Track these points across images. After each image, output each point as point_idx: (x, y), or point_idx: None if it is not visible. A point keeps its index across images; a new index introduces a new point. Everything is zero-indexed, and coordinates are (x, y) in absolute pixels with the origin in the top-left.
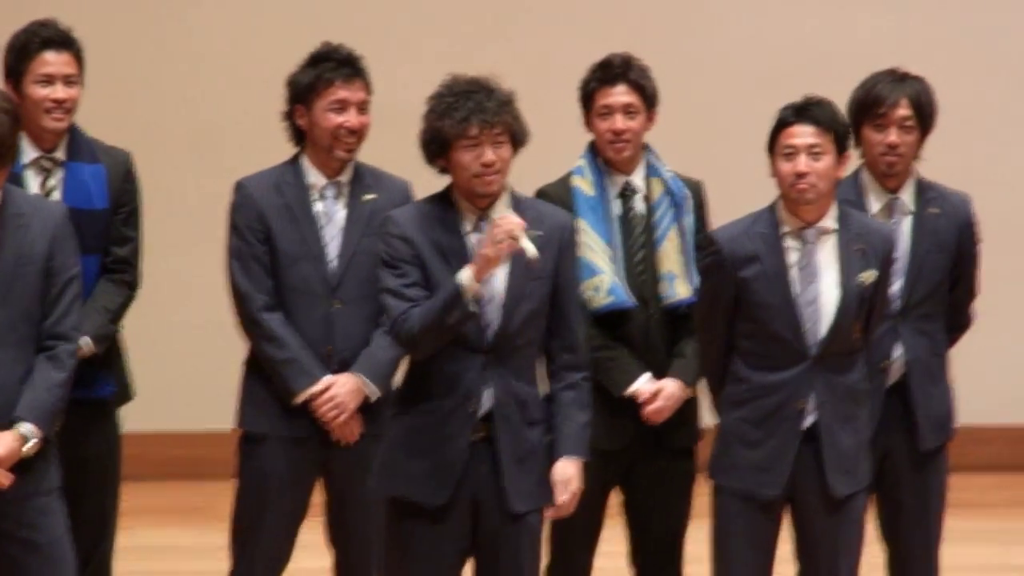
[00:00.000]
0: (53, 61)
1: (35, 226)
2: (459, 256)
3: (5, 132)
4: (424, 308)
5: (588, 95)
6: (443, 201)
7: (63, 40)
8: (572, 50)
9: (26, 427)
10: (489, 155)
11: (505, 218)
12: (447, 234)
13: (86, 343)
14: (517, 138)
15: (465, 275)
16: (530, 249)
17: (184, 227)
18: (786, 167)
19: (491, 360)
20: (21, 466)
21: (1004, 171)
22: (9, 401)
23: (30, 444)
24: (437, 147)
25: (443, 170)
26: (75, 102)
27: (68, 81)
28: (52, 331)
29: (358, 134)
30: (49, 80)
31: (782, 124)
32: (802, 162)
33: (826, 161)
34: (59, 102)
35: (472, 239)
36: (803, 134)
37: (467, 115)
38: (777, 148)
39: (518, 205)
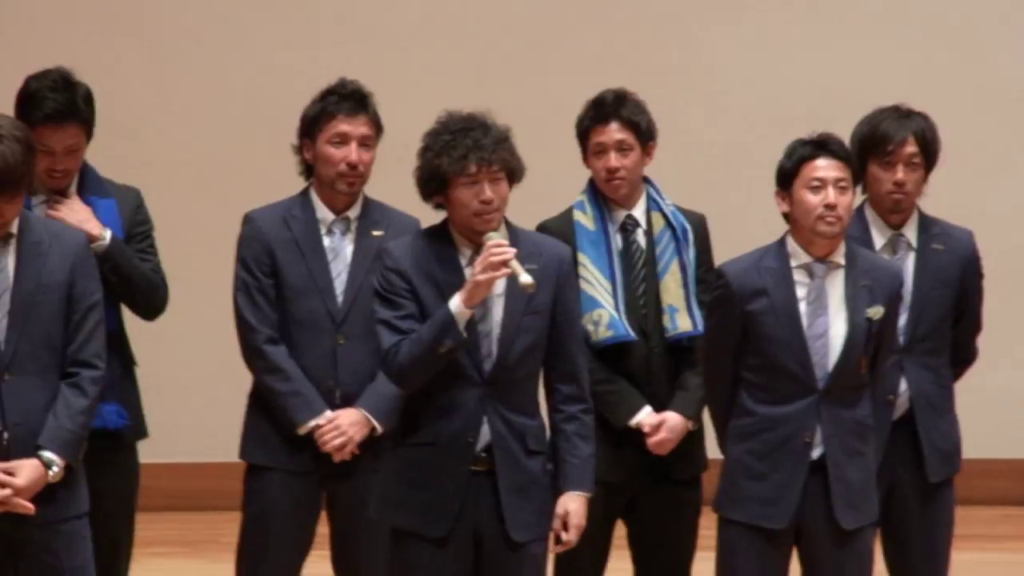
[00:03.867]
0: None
1: (54, 254)
2: (455, 289)
3: (19, 160)
4: (415, 337)
5: (583, 133)
6: (440, 234)
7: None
8: (574, 85)
9: (48, 455)
10: (488, 193)
11: (498, 243)
12: (443, 267)
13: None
14: (514, 174)
15: (455, 302)
16: (524, 276)
17: (192, 261)
18: (814, 200)
19: (489, 393)
20: (46, 494)
21: (1006, 206)
22: (33, 429)
23: (53, 472)
24: (435, 184)
25: (439, 206)
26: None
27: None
28: (75, 358)
29: (358, 169)
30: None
31: (806, 157)
32: (831, 195)
33: (850, 196)
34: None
35: (468, 272)
36: (830, 168)
37: (465, 152)
38: (800, 181)
39: (515, 236)
